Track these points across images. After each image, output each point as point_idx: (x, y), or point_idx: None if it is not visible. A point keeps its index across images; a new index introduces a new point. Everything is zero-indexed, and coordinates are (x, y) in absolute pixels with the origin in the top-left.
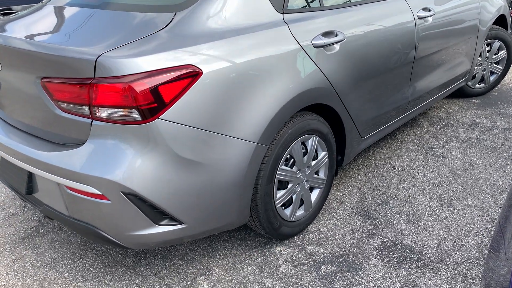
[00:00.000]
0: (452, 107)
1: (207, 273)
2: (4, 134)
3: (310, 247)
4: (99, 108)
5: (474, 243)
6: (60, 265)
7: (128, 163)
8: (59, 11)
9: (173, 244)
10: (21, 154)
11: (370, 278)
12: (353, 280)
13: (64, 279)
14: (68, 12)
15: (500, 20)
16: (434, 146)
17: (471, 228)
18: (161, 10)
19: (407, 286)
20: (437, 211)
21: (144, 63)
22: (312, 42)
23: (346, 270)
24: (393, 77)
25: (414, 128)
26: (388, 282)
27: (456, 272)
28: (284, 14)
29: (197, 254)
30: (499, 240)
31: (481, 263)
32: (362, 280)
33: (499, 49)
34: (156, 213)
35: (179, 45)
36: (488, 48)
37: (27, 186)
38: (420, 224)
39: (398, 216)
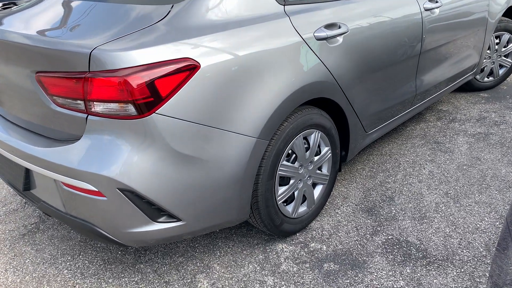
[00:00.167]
0: (460, 101)
1: (208, 270)
2: (2, 130)
3: (313, 244)
4: (94, 102)
5: (481, 241)
6: (60, 262)
7: (124, 159)
8: (55, 4)
9: (172, 241)
10: (18, 150)
11: (374, 276)
12: (356, 278)
13: (63, 276)
14: (65, 5)
15: (510, 12)
16: (441, 141)
17: (478, 225)
18: (158, 2)
19: (412, 284)
20: (443, 208)
21: (140, 56)
22: (314, 34)
23: (349, 268)
24: (399, 70)
25: (420, 123)
26: (392, 280)
27: (462, 270)
28: (285, 6)
29: (197, 251)
30: (507, 238)
31: (489, 261)
32: (365, 278)
33: (508, 42)
34: (153, 210)
35: (176, 37)
36: (497, 41)
37: (24, 183)
38: (425, 221)
39: (403, 212)
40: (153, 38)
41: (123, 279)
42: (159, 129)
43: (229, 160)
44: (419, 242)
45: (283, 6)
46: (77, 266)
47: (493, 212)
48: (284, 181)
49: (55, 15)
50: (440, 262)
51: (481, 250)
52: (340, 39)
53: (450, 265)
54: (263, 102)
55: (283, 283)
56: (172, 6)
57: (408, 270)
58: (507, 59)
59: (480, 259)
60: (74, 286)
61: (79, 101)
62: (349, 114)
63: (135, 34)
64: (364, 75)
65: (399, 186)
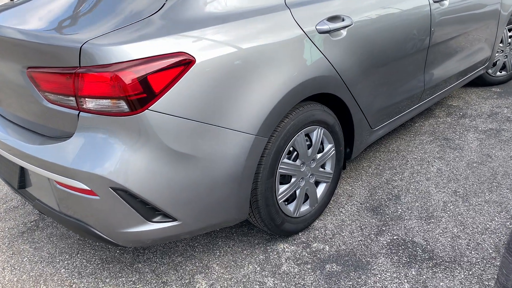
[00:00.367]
0: (470, 96)
1: (206, 271)
2: None
3: (315, 244)
4: (86, 99)
5: (490, 242)
6: (57, 260)
7: (117, 157)
8: None
9: (170, 241)
10: (12, 148)
11: (377, 278)
12: (359, 280)
13: (60, 275)
14: None
15: None
16: (450, 137)
17: (488, 225)
18: None
19: (417, 287)
20: (452, 207)
21: (132, 50)
22: (317, 27)
23: (352, 270)
24: (406, 64)
25: (429, 119)
26: (396, 282)
27: (470, 273)
28: None
29: (197, 250)
30: None
31: (498, 263)
32: (369, 281)
33: None
34: (148, 210)
35: (171, 31)
36: (510, 34)
37: (19, 180)
38: (432, 220)
39: (410, 212)
40: (146, 32)
41: (121, 279)
42: (153, 126)
43: (226, 158)
44: (425, 243)
45: None
46: (74, 265)
47: (503, 212)
48: (285, 179)
49: (47, 9)
50: (447, 264)
51: (491, 251)
52: (343, 32)
53: (457, 267)
54: (261, 98)
55: (283, 284)
56: None
57: (413, 272)
58: None
59: (489, 261)
60: (71, 286)
61: (70, 98)
62: (354, 110)
63: (128, 28)
64: (369, 69)
65: (406, 184)
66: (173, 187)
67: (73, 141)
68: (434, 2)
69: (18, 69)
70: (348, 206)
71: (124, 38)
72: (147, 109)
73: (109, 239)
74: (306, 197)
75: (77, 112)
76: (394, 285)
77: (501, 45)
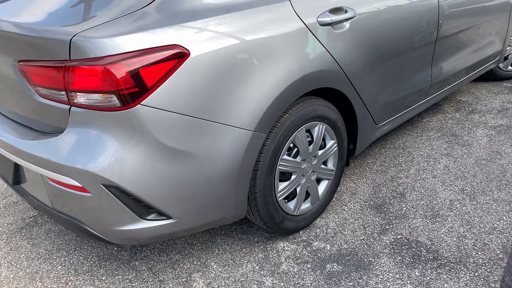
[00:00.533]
0: (481, 91)
1: (204, 269)
2: None
3: (316, 243)
4: (77, 93)
5: (498, 242)
6: (54, 257)
7: (108, 153)
8: None
9: (166, 239)
10: (5, 143)
11: (379, 279)
12: (360, 281)
13: (56, 272)
14: None
15: None
16: (459, 133)
17: (495, 225)
18: None
19: None
20: (458, 205)
21: (124, 43)
22: (318, 19)
23: (353, 270)
24: (412, 58)
25: (437, 114)
26: (399, 284)
27: (476, 274)
28: None
29: (195, 248)
30: None
31: (505, 264)
32: (370, 281)
33: None
34: (141, 207)
35: (165, 23)
36: None
37: (13, 176)
38: (438, 219)
39: (415, 210)
40: (139, 24)
41: (117, 277)
42: (145, 122)
43: (223, 155)
44: (430, 243)
45: None
46: (71, 262)
47: None
48: (285, 176)
49: (38, 2)
50: (452, 264)
51: (498, 252)
52: (346, 24)
53: (463, 268)
54: (259, 92)
55: (282, 284)
56: None
57: (416, 273)
58: None
59: (496, 262)
60: (67, 283)
61: (61, 92)
62: (357, 105)
63: (119, 19)
64: (373, 63)
65: (411, 182)
66: (167, 184)
67: (64, 136)
68: None
69: (9, 63)
70: (351, 204)
71: (116, 30)
72: (139, 104)
73: (103, 237)
74: (307, 195)
75: (68, 106)
76: (397, 286)
77: None
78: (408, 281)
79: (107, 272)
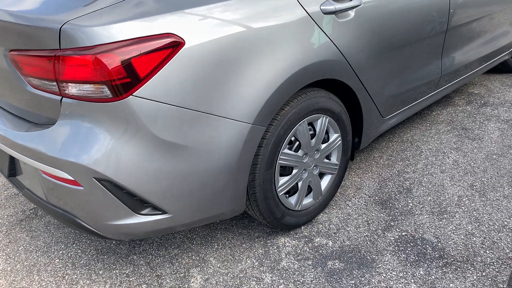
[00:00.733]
0: (493, 83)
1: (203, 264)
2: None
3: (318, 239)
4: (68, 83)
5: (508, 240)
6: (53, 250)
7: (100, 145)
8: None
9: (164, 234)
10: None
11: (382, 277)
12: (362, 279)
13: (54, 265)
14: None
15: None
16: (469, 127)
17: (505, 223)
18: None
19: None
20: (467, 202)
21: (115, 32)
22: (321, 7)
23: (355, 267)
24: (421, 49)
25: (447, 107)
26: (402, 283)
27: (483, 274)
28: None
29: (194, 243)
30: None
31: None
32: (373, 280)
33: None
34: (135, 202)
35: (159, 10)
36: None
37: (9, 168)
38: (445, 216)
39: (421, 206)
40: (132, 11)
41: (114, 271)
42: (137, 113)
43: (220, 149)
44: (436, 240)
45: None
46: (69, 255)
47: None
48: (286, 171)
49: None
50: (458, 263)
51: (507, 251)
52: (351, 13)
53: (470, 267)
54: (258, 84)
55: (281, 281)
56: None
57: (421, 272)
58: None
59: (505, 262)
60: (64, 277)
61: (52, 82)
62: (363, 97)
63: (111, 7)
64: (380, 54)
65: (418, 177)
66: (161, 179)
67: (56, 128)
68: None
69: (1, 52)
70: (355, 199)
71: (108, 18)
72: (132, 95)
73: (97, 231)
74: (310, 190)
75: (59, 97)
76: (400, 285)
77: None
78: (412, 280)
79: (105, 266)
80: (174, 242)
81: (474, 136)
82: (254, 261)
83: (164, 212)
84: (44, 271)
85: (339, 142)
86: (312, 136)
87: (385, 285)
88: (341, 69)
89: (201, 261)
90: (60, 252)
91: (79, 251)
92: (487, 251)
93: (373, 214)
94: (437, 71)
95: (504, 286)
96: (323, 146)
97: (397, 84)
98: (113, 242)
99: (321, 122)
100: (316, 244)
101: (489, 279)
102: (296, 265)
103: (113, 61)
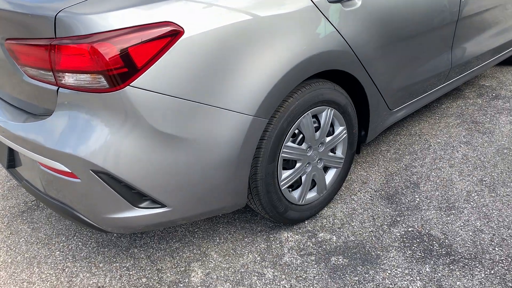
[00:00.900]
0: (506, 75)
1: (204, 258)
2: None
3: (322, 234)
4: (64, 73)
5: None
6: (53, 242)
7: (97, 137)
8: None
9: (164, 227)
10: None
11: (387, 274)
12: (366, 275)
13: (54, 258)
14: None
15: None
16: (480, 120)
17: None
18: None
19: (430, 286)
20: (476, 197)
21: (112, 20)
22: None
23: (359, 264)
24: (430, 40)
25: (458, 100)
26: (407, 280)
27: (492, 272)
28: None
29: (196, 236)
30: None
31: None
32: (377, 276)
33: None
34: (134, 195)
35: None
36: None
37: (8, 160)
38: (453, 211)
39: (428, 201)
40: None
41: (114, 264)
42: (135, 104)
43: (220, 141)
44: (443, 237)
45: None
46: (70, 247)
47: None
48: (289, 164)
49: None
50: (466, 261)
51: None
52: (358, 2)
53: (478, 265)
54: (261, 74)
55: (283, 276)
56: None
57: (427, 269)
58: None
59: None
60: (64, 270)
61: (48, 72)
62: (369, 89)
63: None
64: (388, 44)
65: (426, 171)
66: (160, 171)
67: (52, 119)
68: None
69: None
70: (361, 193)
71: (104, 6)
72: (128, 85)
73: (95, 224)
74: (314, 184)
75: (56, 88)
76: (405, 282)
77: None
78: (418, 277)
79: (105, 259)
80: (176, 236)
81: (485, 130)
82: (256, 255)
83: (163, 206)
84: (44, 264)
85: (345, 135)
86: (317, 129)
87: (389, 282)
88: (347, 60)
89: (203, 255)
90: (61, 244)
91: (79, 243)
92: (496, 248)
93: (379, 209)
94: (447, 62)
95: None
96: (328, 139)
97: (405, 76)
98: (114, 235)
99: (326, 115)
100: (320, 239)
101: (498, 277)
102: (298, 261)
103: (109, 50)
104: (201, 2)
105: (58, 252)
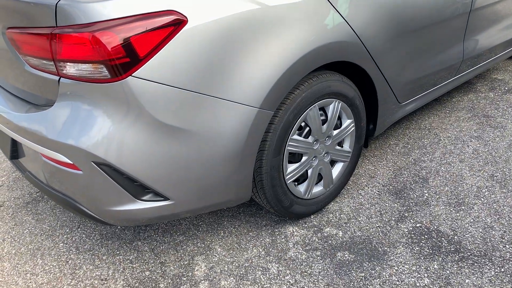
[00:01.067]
0: None
1: (208, 252)
2: None
3: (328, 229)
4: (65, 63)
5: None
6: (57, 234)
7: (99, 128)
8: None
9: (167, 220)
10: (2, 116)
11: (394, 270)
12: (373, 272)
13: (58, 249)
14: None
15: None
16: (492, 114)
17: None
18: None
19: (438, 283)
20: (486, 193)
21: (114, 8)
22: None
23: (365, 259)
24: (442, 32)
25: (469, 93)
26: (414, 276)
27: (502, 270)
28: None
29: (200, 230)
30: None
31: None
32: (384, 273)
33: None
34: (136, 187)
35: None
36: None
37: (11, 150)
38: (463, 207)
39: (437, 197)
40: None
41: (118, 257)
42: (137, 95)
43: (224, 134)
44: (452, 233)
45: None
46: (73, 239)
47: None
48: (295, 157)
49: None
50: (475, 258)
51: None
52: None
53: (487, 262)
54: (266, 65)
55: (288, 271)
56: None
57: (435, 266)
58: None
59: None
60: (67, 262)
61: (49, 62)
62: (378, 81)
63: None
64: (398, 36)
65: (435, 166)
66: (163, 164)
67: (54, 110)
68: None
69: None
70: (368, 188)
71: None
72: (130, 75)
73: (98, 217)
74: (320, 178)
75: (57, 78)
76: (412, 279)
77: None
78: (426, 274)
79: (108, 251)
80: (180, 229)
81: (497, 124)
82: (260, 250)
83: (166, 199)
84: (48, 255)
85: (352, 128)
86: (324, 121)
87: (396, 279)
88: (356, 51)
89: (206, 248)
90: (65, 236)
91: (83, 235)
92: (507, 246)
93: (387, 204)
94: (458, 55)
95: None
96: (335, 132)
97: (415, 69)
98: (118, 227)
99: (333, 107)
100: (326, 234)
101: (508, 275)
102: (304, 256)
103: (111, 39)
104: None
105: (62, 244)
